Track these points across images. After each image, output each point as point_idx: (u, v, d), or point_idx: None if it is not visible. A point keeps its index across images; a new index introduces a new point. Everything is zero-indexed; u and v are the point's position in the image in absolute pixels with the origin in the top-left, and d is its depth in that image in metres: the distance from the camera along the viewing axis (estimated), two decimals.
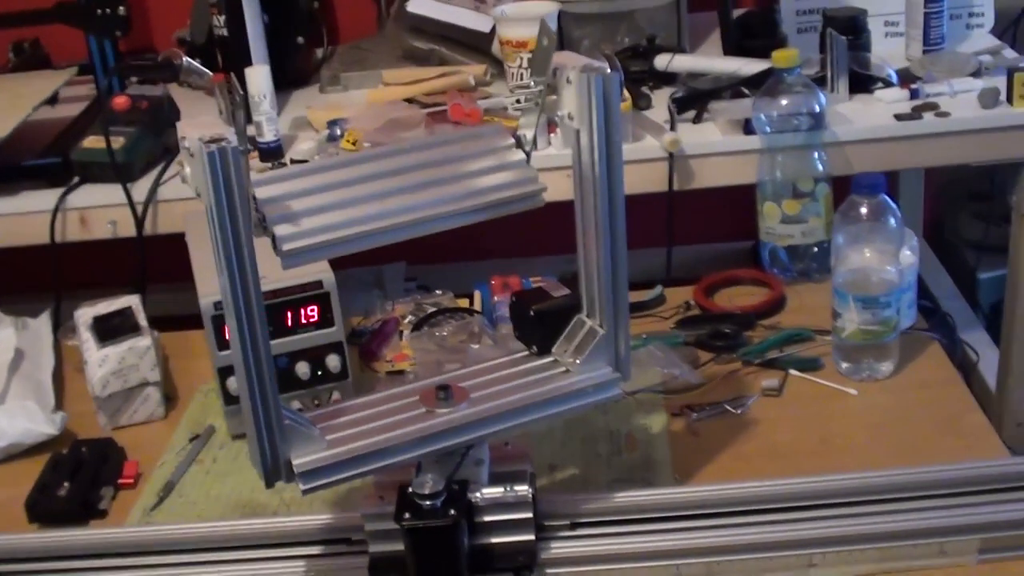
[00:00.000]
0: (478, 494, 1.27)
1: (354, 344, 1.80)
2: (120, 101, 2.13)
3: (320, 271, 1.56)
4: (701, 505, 1.34)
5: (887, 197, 1.61)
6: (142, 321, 1.71)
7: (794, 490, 1.35)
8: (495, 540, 1.28)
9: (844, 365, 1.65)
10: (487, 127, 1.35)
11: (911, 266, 1.71)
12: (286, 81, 2.42)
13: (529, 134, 1.29)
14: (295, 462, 1.21)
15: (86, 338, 1.69)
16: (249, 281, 1.13)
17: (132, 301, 1.73)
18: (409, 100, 2.23)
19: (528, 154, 1.29)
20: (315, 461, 1.21)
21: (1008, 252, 2.17)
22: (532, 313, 1.35)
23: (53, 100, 2.36)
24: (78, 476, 1.55)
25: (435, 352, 1.69)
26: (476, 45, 2.39)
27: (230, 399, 1.59)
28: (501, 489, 1.27)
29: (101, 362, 1.65)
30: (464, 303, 1.89)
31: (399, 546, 1.24)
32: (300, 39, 2.48)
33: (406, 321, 1.84)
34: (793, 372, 1.66)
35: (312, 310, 1.58)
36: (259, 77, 2.12)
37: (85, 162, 2.08)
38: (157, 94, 2.19)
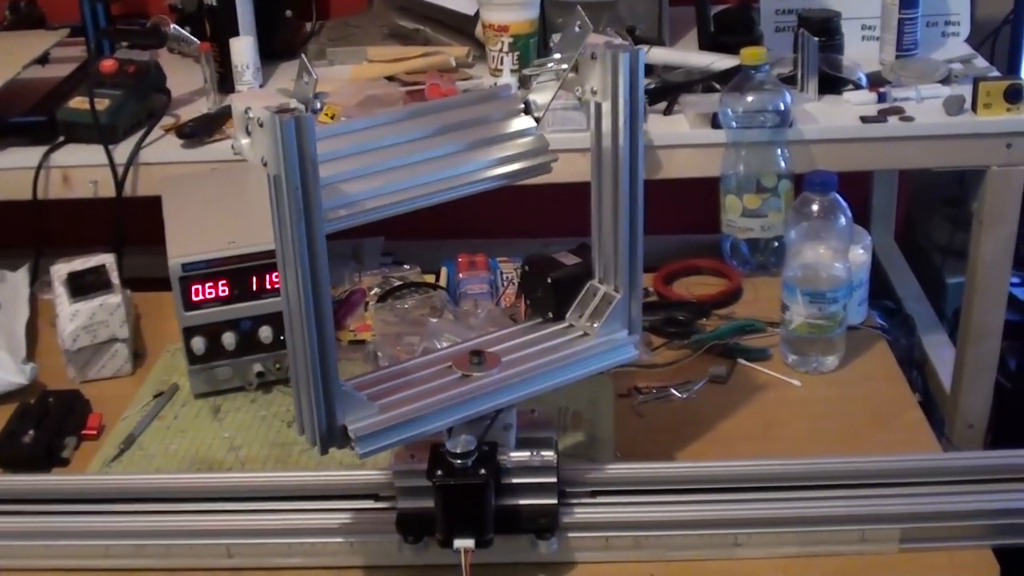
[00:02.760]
0: (506, 457, 1.32)
1: None
2: (107, 64, 2.16)
3: None
4: (683, 481, 1.39)
5: (838, 196, 1.65)
6: (115, 279, 1.75)
7: (728, 472, 1.40)
8: (520, 502, 1.32)
9: (791, 357, 1.70)
10: (502, 88, 1.39)
11: (862, 264, 1.75)
12: (273, 53, 2.46)
13: (541, 100, 1.34)
14: (351, 427, 1.22)
15: (59, 292, 1.73)
16: (318, 251, 1.14)
17: (106, 259, 1.78)
18: (390, 78, 2.27)
19: (538, 120, 1.34)
20: (370, 426, 1.23)
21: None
22: (550, 280, 1.40)
23: (44, 60, 2.39)
24: (44, 425, 1.60)
25: (396, 325, 1.73)
26: (460, 27, 2.43)
27: (194, 359, 1.64)
28: (528, 453, 1.32)
29: (72, 316, 1.70)
30: (432, 279, 1.94)
31: (428, 503, 1.29)
32: (288, 12, 2.51)
33: (372, 293, 1.88)
34: (741, 361, 1.71)
35: (278, 276, 1.61)
36: (243, 48, 2.16)
37: (70, 122, 2.11)
38: (145, 59, 2.23)
